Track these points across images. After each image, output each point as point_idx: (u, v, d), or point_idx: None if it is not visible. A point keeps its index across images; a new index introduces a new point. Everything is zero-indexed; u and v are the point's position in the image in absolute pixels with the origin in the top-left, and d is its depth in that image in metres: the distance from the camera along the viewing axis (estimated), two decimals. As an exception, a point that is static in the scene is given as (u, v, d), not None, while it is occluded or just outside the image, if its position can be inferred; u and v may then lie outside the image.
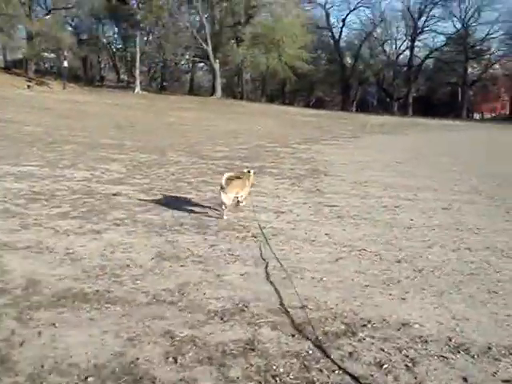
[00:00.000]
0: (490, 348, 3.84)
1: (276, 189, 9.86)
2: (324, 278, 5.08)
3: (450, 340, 3.93)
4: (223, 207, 7.29)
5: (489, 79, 73.87)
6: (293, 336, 3.87)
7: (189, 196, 8.79)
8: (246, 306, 4.33)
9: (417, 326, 4.14)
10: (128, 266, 5.18)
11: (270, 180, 10.90)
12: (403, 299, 4.68)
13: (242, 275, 5.08)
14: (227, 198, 7.19)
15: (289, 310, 4.30)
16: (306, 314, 4.22)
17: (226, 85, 64.98)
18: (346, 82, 72.99)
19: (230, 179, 7.22)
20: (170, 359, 3.47)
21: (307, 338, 3.83)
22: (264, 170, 12.19)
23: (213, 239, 6.26)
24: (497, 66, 73.70)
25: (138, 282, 4.78)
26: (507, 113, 77.60)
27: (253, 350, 3.63)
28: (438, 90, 78.93)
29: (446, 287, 5.01)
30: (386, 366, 3.52)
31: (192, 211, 7.64)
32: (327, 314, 4.26)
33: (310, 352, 3.64)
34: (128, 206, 7.85)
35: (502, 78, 74.81)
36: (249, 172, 8.07)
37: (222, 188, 7.10)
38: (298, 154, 16.47)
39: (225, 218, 7.25)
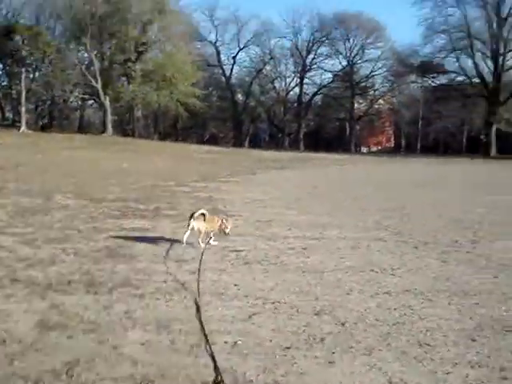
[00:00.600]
0: (437, 420, 3.33)
1: (175, 233, 8.95)
2: (239, 342, 4.41)
3: (392, 413, 3.39)
4: (199, 239, 7.86)
5: (374, 114, 77.29)
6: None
7: (78, 246, 7.86)
8: (150, 388, 3.58)
9: (351, 397, 3.57)
10: (3, 341, 4.26)
11: (168, 223, 10.12)
12: (331, 362, 4.10)
13: (143, 344, 4.31)
14: (197, 224, 7.74)
15: (202, 388, 3.60)
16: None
17: (118, 122, 63.42)
18: (238, 118, 73.69)
19: (202, 214, 7.84)
20: None
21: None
22: (160, 213, 11.42)
23: (106, 299, 5.41)
24: (381, 101, 77.39)
25: (16, 362, 3.90)
26: (392, 145, 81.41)
27: None
28: (327, 125, 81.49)
29: (375, 342, 4.50)
30: None
31: (82, 265, 6.74)
32: (248, 390, 3.60)
33: None
34: (7, 260, 6.84)
35: (386, 112, 78.61)
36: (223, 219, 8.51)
37: (191, 217, 7.75)
38: (195, 192, 15.77)
39: (202, 245, 7.78)
